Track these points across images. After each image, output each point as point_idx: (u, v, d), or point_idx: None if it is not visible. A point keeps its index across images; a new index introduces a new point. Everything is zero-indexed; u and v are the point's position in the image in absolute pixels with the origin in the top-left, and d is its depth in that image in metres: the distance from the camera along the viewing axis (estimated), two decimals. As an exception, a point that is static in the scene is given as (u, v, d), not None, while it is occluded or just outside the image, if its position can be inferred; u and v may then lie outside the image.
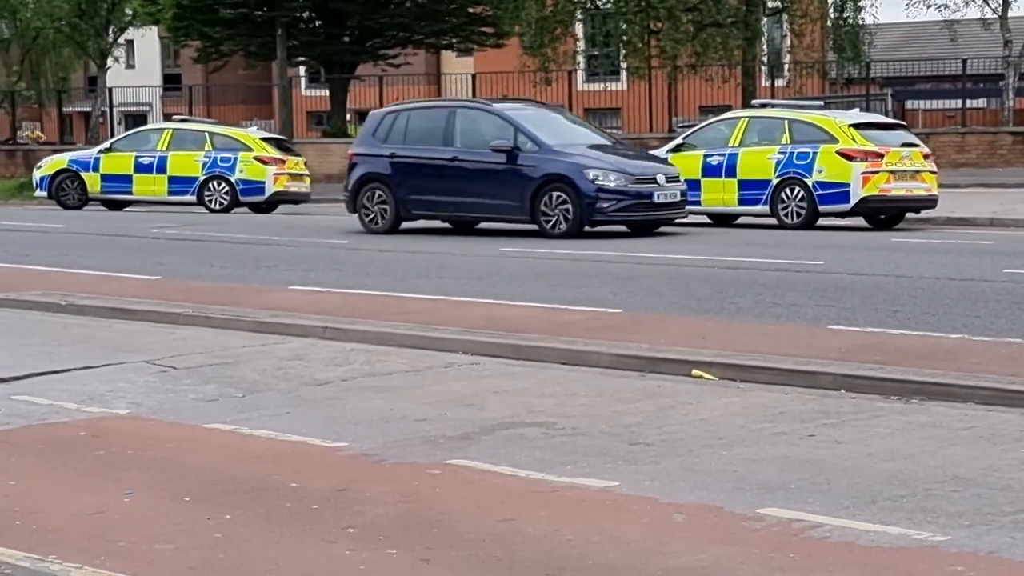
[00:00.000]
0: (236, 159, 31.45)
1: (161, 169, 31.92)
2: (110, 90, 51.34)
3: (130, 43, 65.30)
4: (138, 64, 69.70)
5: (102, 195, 32.63)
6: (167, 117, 54.12)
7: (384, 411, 9.54)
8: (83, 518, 7.08)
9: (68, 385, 10.75)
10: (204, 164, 31.56)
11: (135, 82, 59.65)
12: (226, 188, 31.40)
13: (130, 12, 54.25)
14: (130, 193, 32.35)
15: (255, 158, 31.56)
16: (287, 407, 9.81)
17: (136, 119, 65.46)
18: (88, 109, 58.35)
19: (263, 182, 31.54)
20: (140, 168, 32.11)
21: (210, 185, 31.52)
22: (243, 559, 6.34)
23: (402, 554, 6.37)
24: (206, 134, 32.26)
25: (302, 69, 57.42)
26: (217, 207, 31.31)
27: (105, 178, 32.40)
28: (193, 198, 31.65)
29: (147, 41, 66.58)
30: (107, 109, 52.14)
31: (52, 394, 10.38)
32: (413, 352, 11.78)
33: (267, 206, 31.88)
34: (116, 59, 58.17)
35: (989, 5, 43.80)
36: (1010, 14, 43.78)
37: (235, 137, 32.48)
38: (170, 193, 31.86)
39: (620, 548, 6.38)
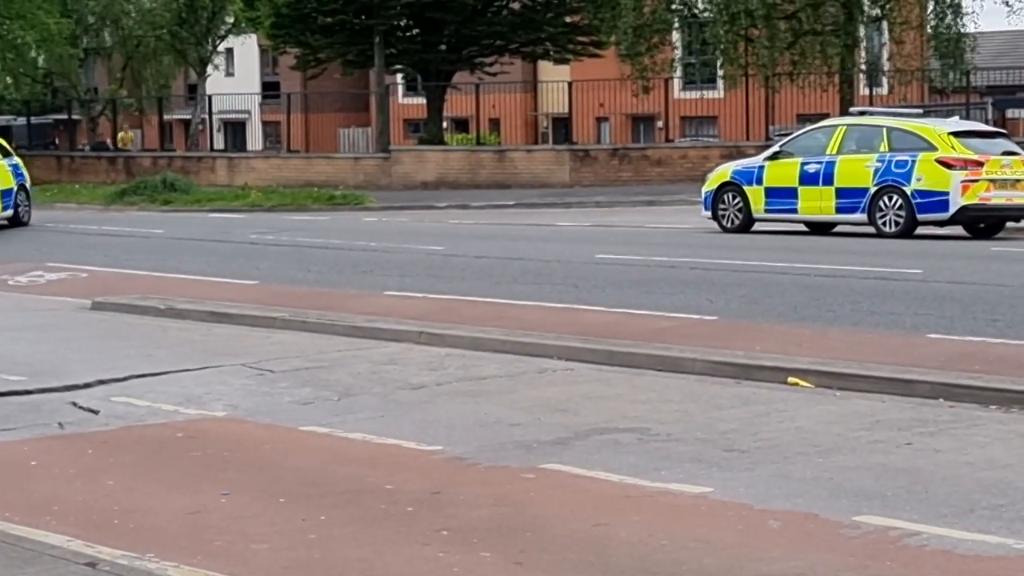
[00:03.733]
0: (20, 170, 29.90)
1: None
2: (210, 98, 51.88)
3: (229, 51, 65.79)
4: (237, 72, 70.23)
5: None
6: (265, 124, 54.47)
7: (478, 415, 9.56)
8: (180, 518, 7.15)
9: (166, 387, 10.87)
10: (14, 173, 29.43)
11: (234, 89, 60.15)
12: (24, 197, 29.66)
13: (230, 20, 54.75)
14: None
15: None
16: (382, 410, 9.85)
17: (235, 126, 66.10)
18: (188, 116, 58.92)
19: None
20: None
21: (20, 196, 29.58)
22: (337, 560, 6.37)
23: (495, 557, 6.38)
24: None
25: (399, 77, 57.63)
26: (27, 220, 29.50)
27: None
28: (11, 212, 28.91)
29: (246, 49, 67.07)
30: (207, 116, 52.69)
31: (150, 396, 10.50)
32: (507, 357, 11.80)
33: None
34: (216, 67, 58.70)
35: (1093, 12, 43.22)
36: (1114, 21, 43.14)
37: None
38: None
39: (714, 554, 6.35)
